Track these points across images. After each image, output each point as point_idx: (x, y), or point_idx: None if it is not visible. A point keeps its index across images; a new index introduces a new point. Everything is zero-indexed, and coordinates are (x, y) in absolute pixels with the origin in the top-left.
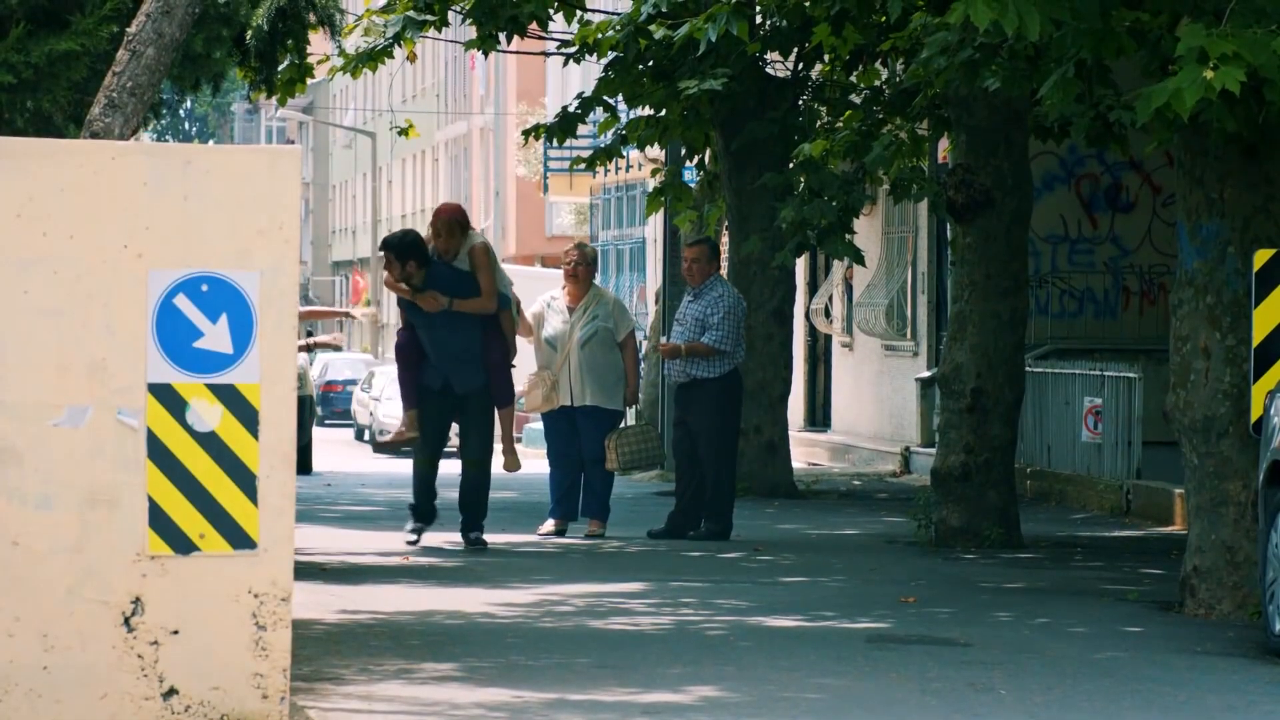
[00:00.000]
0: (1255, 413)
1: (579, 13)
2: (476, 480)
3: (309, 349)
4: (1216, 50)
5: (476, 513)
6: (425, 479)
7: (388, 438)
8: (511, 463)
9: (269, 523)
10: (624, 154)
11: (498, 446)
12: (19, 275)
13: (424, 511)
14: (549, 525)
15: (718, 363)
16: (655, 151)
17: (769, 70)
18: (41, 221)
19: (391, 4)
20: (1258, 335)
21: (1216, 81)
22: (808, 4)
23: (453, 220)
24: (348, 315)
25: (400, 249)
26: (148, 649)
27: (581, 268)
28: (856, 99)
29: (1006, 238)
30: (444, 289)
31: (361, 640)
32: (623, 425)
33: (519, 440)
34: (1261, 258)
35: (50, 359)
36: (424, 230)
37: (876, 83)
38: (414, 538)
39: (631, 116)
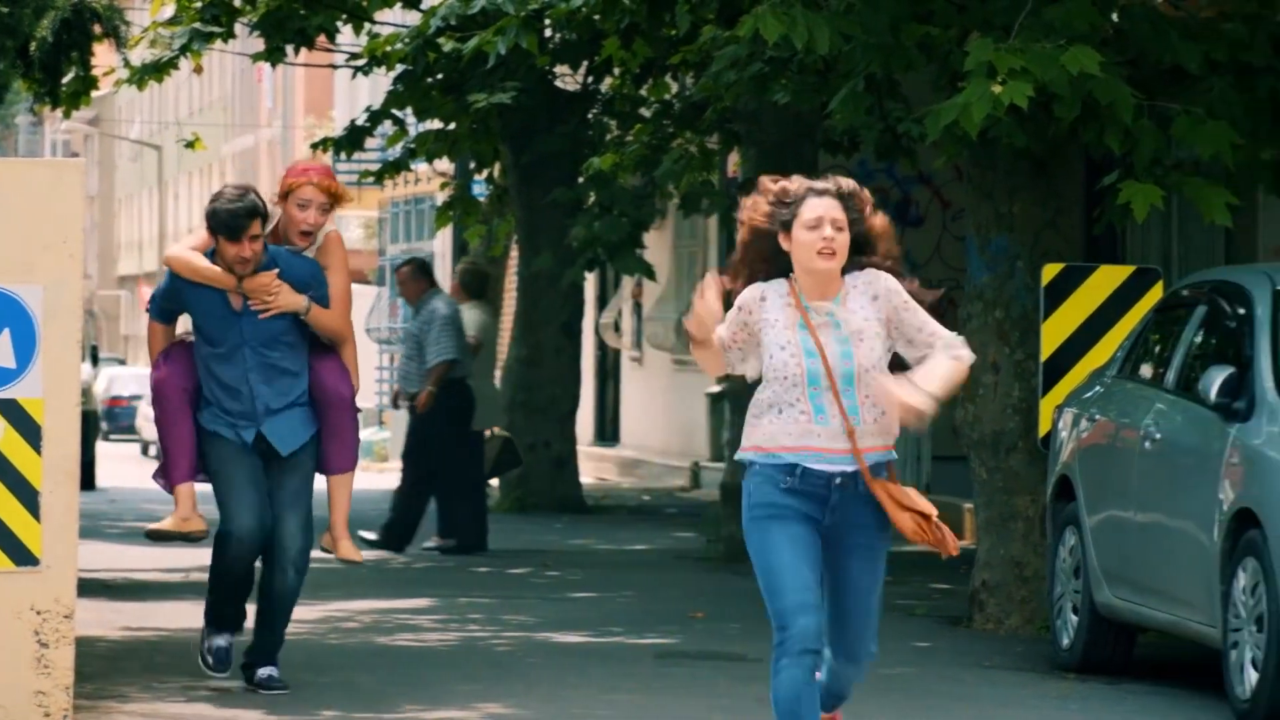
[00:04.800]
0: (1043, 427)
1: (367, 25)
2: (290, 589)
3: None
4: (1005, 65)
5: (276, 636)
6: (243, 571)
7: (161, 525)
8: (350, 550)
9: (52, 539)
10: (413, 167)
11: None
12: None
13: (233, 616)
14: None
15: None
16: (444, 165)
17: (558, 84)
18: None
19: (178, 16)
20: (1046, 349)
21: (1005, 97)
22: (597, 17)
23: (329, 185)
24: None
25: (248, 214)
26: None
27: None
28: (646, 112)
29: None
30: (293, 285)
31: (146, 657)
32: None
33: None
34: (1050, 272)
35: None
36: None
37: (666, 96)
38: (223, 643)
39: (420, 130)
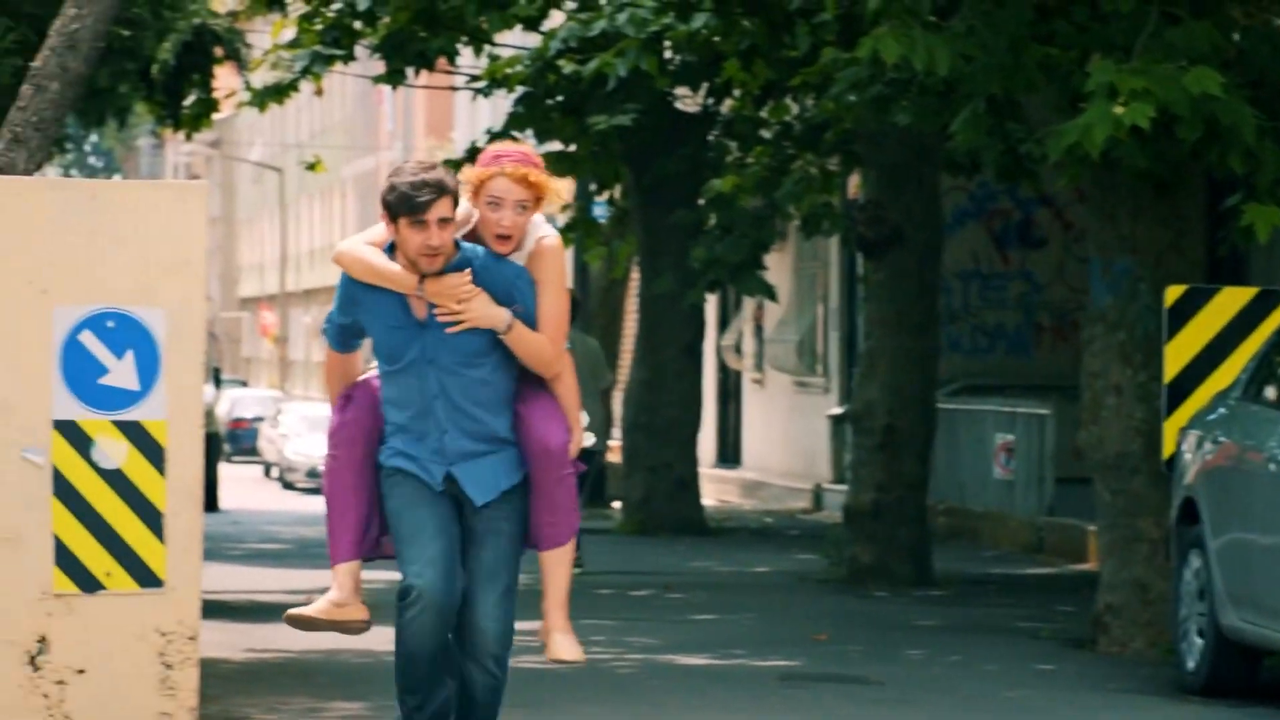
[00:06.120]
0: (1167, 449)
1: (487, 47)
2: (489, 685)
3: None
4: (1126, 86)
5: None
6: (428, 642)
7: (306, 610)
8: (563, 646)
9: (176, 561)
10: None
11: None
12: None
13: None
14: None
15: None
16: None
17: (678, 105)
18: None
19: (299, 38)
20: (1170, 371)
21: (1126, 118)
22: (717, 39)
23: (524, 174)
24: None
25: (436, 188)
26: (53, 688)
27: None
28: (767, 134)
29: (917, 274)
30: (492, 294)
31: (270, 679)
32: None
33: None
34: (1173, 294)
35: None
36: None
37: (787, 118)
38: None
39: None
